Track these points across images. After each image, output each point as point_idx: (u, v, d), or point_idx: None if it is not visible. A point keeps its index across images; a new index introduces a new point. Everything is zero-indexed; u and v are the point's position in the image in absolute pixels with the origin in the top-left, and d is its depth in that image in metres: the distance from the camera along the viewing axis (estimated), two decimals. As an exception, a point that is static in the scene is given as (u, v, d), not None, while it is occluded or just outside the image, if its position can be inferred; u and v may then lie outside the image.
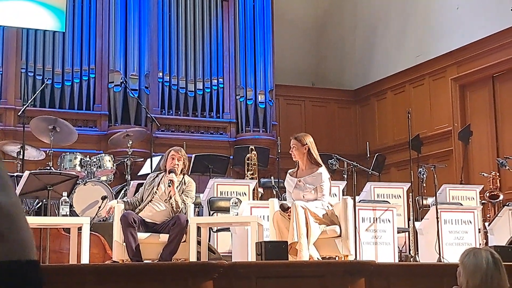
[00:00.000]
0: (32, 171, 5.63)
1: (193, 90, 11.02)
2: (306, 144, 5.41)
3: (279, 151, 8.66)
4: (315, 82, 12.77)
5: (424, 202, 7.45)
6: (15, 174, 6.55)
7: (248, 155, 7.74)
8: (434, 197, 6.77)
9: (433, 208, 6.65)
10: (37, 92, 8.97)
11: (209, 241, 5.84)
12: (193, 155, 8.03)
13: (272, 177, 8.49)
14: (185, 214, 5.38)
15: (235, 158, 8.59)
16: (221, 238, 6.52)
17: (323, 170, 5.41)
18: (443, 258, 6.39)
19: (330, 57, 12.89)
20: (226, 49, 11.30)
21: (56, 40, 10.33)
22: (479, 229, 6.91)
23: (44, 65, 10.19)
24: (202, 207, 6.96)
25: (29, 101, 8.41)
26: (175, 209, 5.39)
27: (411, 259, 6.72)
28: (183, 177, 5.58)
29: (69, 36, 10.38)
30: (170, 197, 5.41)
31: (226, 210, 6.16)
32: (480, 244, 6.79)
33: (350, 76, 12.56)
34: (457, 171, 9.60)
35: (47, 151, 7.41)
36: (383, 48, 11.84)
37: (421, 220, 6.91)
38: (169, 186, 5.40)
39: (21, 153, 7.20)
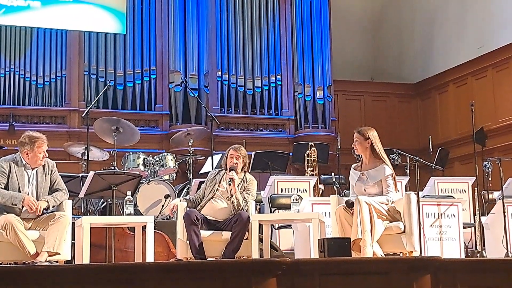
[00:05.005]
0: (96, 172, 5.73)
1: (252, 88, 11.07)
2: (369, 138, 5.33)
3: (339, 147, 8.59)
4: (374, 76, 12.62)
5: (490, 196, 7.28)
6: (80, 174, 6.70)
7: (307, 152, 7.72)
8: (500, 191, 6.62)
9: (499, 202, 6.49)
10: (100, 94, 9.19)
11: (271, 238, 5.85)
12: (253, 153, 8.07)
13: (332, 174, 8.44)
14: (246, 211, 5.40)
15: (295, 154, 8.58)
16: (283, 235, 6.52)
17: (386, 165, 5.33)
18: (511, 253, 6.22)
19: (388, 51, 12.71)
20: (284, 46, 11.30)
21: (117, 42, 10.56)
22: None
23: (106, 67, 10.44)
24: (263, 204, 6.98)
25: (92, 103, 8.63)
26: (236, 207, 5.41)
27: (478, 255, 6.56)
28: (244, 175, 5.59)
29: (129, 38, 10.59)
30: (231, 195, 5.44)
31: (287, 207, 6.15)
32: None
33: (410, 69, 12.35)
34: (524, 164, 9.30)
35: (111, 152, 7.58)
36: (442, 40, 11.58)
37: (487, 214, 6.75)
38: (230, 184, 5.43)
39: (86, 154, 7.37)
